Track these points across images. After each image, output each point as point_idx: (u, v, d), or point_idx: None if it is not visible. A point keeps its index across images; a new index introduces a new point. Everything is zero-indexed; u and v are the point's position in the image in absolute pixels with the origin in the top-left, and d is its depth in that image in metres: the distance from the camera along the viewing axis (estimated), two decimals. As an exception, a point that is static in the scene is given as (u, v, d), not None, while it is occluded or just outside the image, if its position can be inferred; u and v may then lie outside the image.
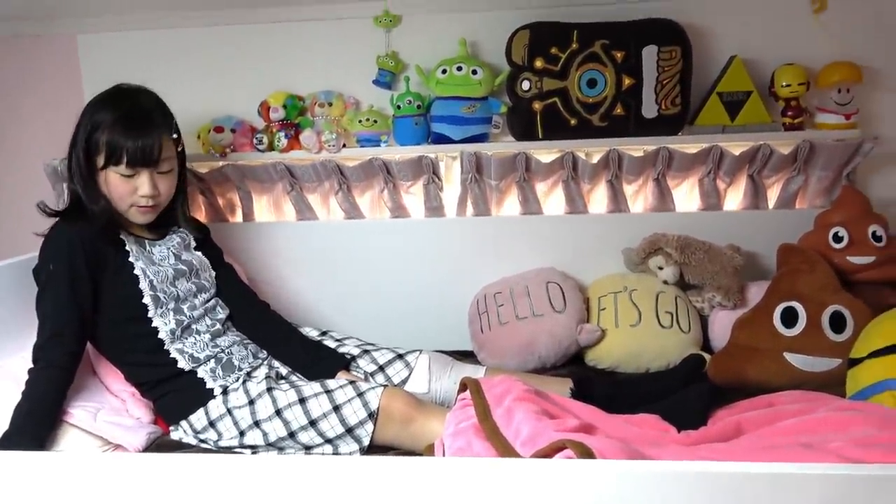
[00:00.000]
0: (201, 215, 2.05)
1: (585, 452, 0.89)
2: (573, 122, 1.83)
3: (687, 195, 1.96)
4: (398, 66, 1.95)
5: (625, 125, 1.82)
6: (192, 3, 1.93)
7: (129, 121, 1.44)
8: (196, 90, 1.99)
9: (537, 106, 1.83)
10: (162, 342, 1.49)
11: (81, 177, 1.47)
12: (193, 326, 1.54)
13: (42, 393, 1.37)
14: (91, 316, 1.46)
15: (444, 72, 1.86)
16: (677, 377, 1.54)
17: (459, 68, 1.85)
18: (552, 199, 1.99)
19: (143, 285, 1.49)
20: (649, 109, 1.81)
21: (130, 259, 1.50)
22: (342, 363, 1.60)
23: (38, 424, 1.34)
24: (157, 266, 1.53)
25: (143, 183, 1.46)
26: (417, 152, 1.90)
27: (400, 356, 1.64)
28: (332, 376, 1.53)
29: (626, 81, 1.79)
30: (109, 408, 1.50)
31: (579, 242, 1.94)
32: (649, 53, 1.78)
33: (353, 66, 1.98)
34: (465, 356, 1.83)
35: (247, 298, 1.71)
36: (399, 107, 1.90)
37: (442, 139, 1.90)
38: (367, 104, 1.99)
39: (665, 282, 1.82)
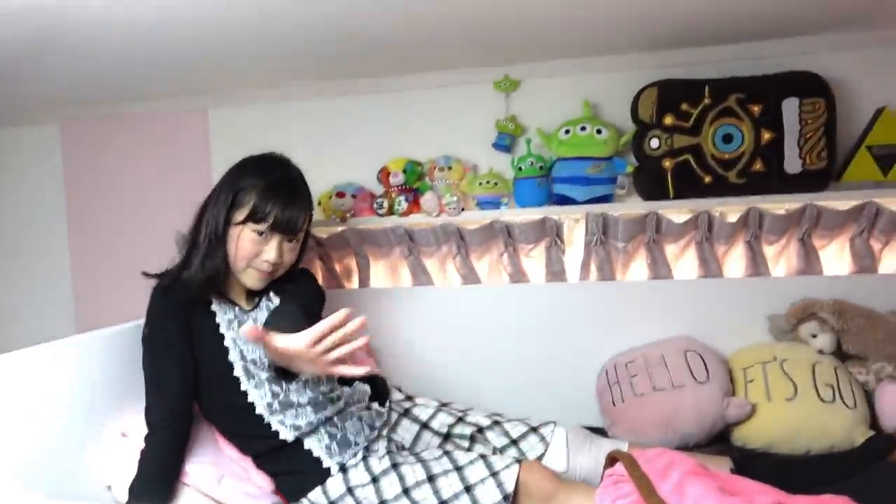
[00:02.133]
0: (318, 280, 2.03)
1: (809, 536, 0.75)
2: (707, 179, 1.73)
3: (835, 257, 1.80)
4: (518, 130, 1.93)
5: (765, 181, 1.71)
6: (317, 74, 1.99)
7: (280, 188, 1.41)
8: (319, 158, 2.02)
9: (668, 164, 1.74)
10: (261, 416, 1.41)
11: (213, 228, 1.42)
12: (292, 398, 1.43)
13: (153, 458, 1.32)
14: (194, 377, 1.41)
15: (567, 132, 1.82)
16: (856, 459, 1.35)
17: (583, 128, 1.81)
18: (683, 261, 1.87)
19: (234, 356, 1.42)
20: (792, 164, 1.69)
21: (221, 330, 1.44)
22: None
23: (153, 493, 1.29)
24: None
25: (272, 248, 1.42)
26: (540, 214, 1.84)
27: (534, 429, 1.51)
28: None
29: (766, 135, 1.69)
30: (232, 473, 1.44)
31: (716, 308, 1.80)
32: (790, 105, 1.68)
33: (471, 130, 1.98)
34: (594, 431, 1.68)
35: None
36: (521, 168, 1.87)
37: (565, 201, 1.83)
38: (485, 168, 1.97)
39: (820, 351, 1.64)
